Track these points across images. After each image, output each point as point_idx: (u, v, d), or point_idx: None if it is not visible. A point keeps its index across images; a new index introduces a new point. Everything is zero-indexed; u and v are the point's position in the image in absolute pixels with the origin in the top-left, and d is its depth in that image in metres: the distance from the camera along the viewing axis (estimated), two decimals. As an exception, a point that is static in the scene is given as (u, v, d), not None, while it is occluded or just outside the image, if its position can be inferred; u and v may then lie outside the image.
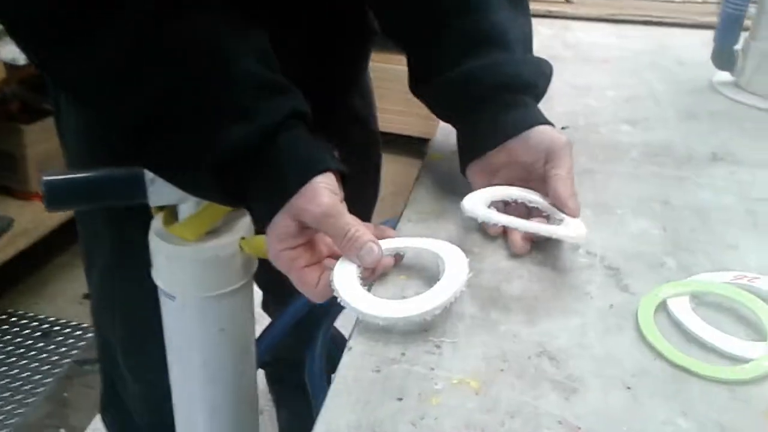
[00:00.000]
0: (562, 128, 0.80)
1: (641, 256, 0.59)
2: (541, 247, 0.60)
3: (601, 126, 0.82)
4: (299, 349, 1.04)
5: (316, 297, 0.54)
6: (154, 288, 0.70)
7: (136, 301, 0.79)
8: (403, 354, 0.48)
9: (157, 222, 0.70)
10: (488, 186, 0.62)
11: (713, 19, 1.20)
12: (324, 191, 0.51)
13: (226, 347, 0.73)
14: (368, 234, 0.53)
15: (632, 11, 1.27)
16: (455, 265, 0.53)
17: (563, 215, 0.59)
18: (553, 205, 0.60)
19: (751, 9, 0.94)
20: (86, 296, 1.86)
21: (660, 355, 0.48)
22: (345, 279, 0.52)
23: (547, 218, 0.60)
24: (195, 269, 0.68)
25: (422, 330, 0.50)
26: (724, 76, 0.99)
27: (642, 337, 0.50)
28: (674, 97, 0.92)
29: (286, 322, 0.86)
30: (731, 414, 0.44)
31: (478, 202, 0.60)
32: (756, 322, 0.52)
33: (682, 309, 0.52)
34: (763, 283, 0.54)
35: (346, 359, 0.47)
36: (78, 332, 1.82)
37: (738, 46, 0.96)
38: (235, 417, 0.77)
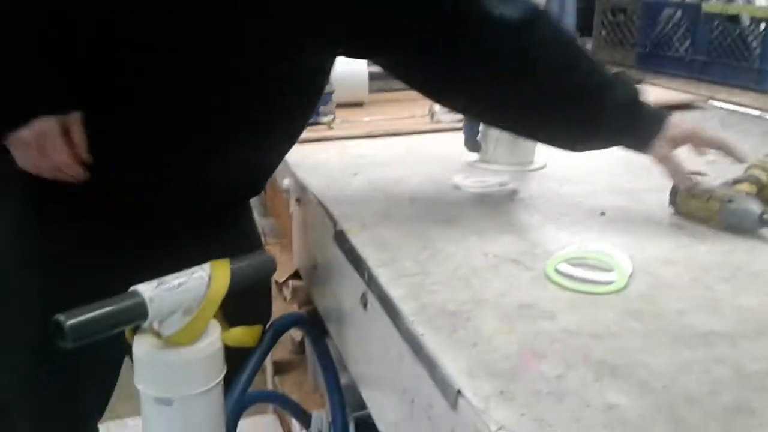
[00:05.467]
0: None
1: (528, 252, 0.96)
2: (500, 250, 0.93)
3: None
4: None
5: None
6: None
7: None
8: None
9: (145, 338, 0.79)
10: None
11: (432, 126, 1.71)
12: None
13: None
14: None
15: (382, 128, 1.71)
16: None
17: None
18: None
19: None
20: None
21: (568, 289, 0.85)
22: None
23: None
24: (195, 367, 0.78)
25: None
26: (474, 156, 1.45)
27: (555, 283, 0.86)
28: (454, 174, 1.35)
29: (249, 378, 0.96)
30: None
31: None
32: (601, 265, 0.92)
33: (567, 268, 0.90)
34: (594, 245, 0.95)
35: None
36: None
37: (479, 136, 1.43)
38: None
